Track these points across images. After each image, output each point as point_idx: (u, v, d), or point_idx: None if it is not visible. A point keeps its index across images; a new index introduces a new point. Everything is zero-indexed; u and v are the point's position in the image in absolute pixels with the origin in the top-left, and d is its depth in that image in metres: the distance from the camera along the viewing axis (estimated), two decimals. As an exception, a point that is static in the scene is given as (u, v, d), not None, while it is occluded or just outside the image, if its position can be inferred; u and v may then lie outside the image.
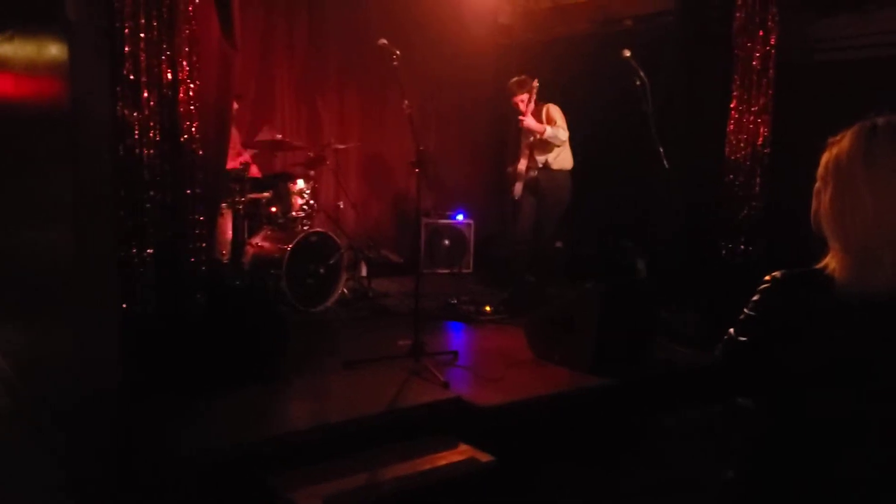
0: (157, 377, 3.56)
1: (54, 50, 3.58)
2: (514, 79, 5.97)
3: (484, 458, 3.55)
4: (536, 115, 5.87)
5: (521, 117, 5.80)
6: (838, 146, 1.71)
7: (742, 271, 5.40)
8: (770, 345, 1.73)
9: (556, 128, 5.80)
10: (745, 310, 1.79)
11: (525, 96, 5.86)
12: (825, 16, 5.57)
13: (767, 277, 1.76)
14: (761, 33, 5.30)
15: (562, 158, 5.90)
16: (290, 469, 3.32)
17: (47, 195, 3.99)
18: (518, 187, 5.98)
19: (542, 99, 5.93)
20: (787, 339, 1.70)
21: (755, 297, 1.77)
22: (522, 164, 5.91)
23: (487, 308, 5.86)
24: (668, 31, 6.03)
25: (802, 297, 1.69)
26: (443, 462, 3.51)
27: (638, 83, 4.93)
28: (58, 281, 3.86)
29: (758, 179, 5.42)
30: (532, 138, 5.86)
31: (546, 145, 5.83)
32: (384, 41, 4.50)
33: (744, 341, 1.79)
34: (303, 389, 4.04)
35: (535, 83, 5.77)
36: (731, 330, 1.83)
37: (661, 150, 4.95)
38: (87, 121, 3.37)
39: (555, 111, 5.91)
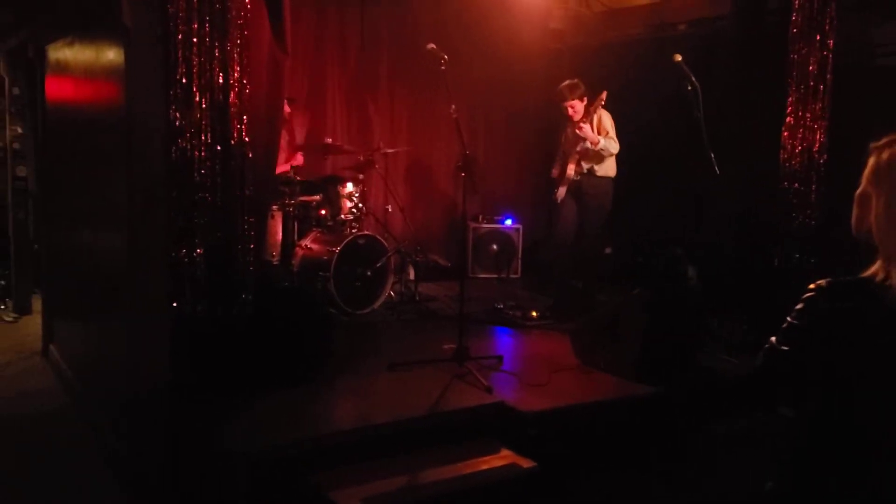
0: (207, 377, 3.62)
1: (111, 55, 3.69)
2: (566, 82, 5.87)
3: (526, 463, 3.53)
4: (588, 122, 5.79)
5: (580, 124, 5.69)
6: (889, 151, 1.65)
7: (795, 280, 5.28)
8: (814, 353, 1.68)
9: (609, 139, 5.73)
10: (789, 318, 1.75)
11: (576, 102, 5.79)
12: (886, 19, 5.41)
13: (812, 286, 1.71)
14: (818, 37, 5.18)
15: (606, 165, 5.83)
16: (332, 468, 3.35)
17: (103, 196, 4.10)
18: (561, 191, 5.93)
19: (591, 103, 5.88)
20: (833, 348, 1.65)
21: (799, 306, 1.73)
22: (571, 169, 5.84)
23: (534, 313, 5.82)
24: (722, 35, 5.92)
25: (849, 306, 1.64)
26: (484, 466, 3.50)
27: (689, 88, 4.85)
28: (113, 281, 3.96)
29: (813, 187, 5.30)
30: (581, 145, 5.78)
31: (596, 154, 5.76)
32: (432, 46, 4.52)
33: (786, 350, 1.74)
34: (347, 390, 4.07)
35: (604, 94, 5.62)
36: (773, 339, 1.79)
37: (713, 155, 4.85)
38: (140, 124, 3.47)
39: (607, 120, 5.82)
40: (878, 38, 5.47)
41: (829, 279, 1.70)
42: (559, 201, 5.96)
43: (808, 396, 1.73)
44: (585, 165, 5.81)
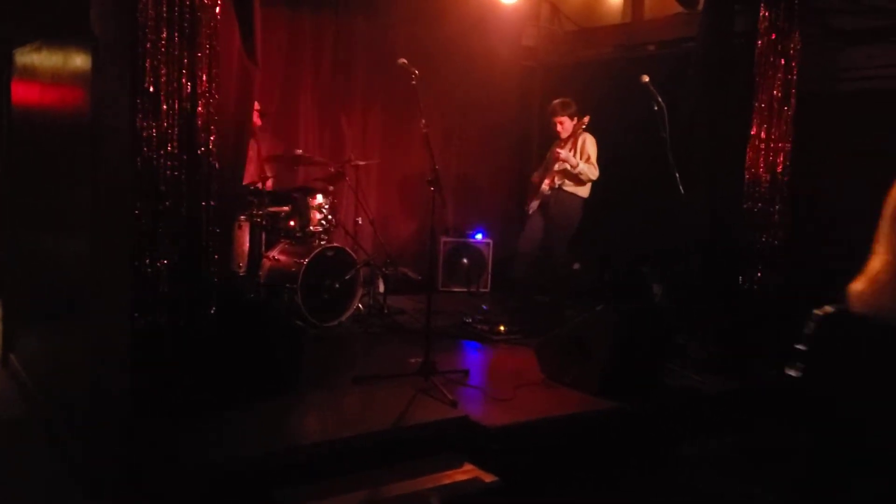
0: (169, 390, 3.58)
1: (78, 61, 3.65)
2: (558, 100, 5.97)
3: (488, 478, 3.53)
4: (572, 144, 5.85)
5: (557, 149, 5.79)
6: None
7: (760, 299, 5.35)
8: (827, 378, 1.70)
9: (589, 164, 5.79)
10: (798, 345, 1.76)
11: (565, 119, 5.87)
12: (850, 45, 5.53)
13: (819, 312, 1.73)
14: (783, 61, 5.28)
15: (578, 185, 5.87)
16: (295, 483, 3.32)
17: (67, 204, 4.05)
18: (533, 204, 5.99)
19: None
20: (845, 372, 1.66)
21: (807, 332, 1.74)
22: (546, 184, 5.88)
23: (501, 328, 5.83)
24: (691, 56, 6.00)
25: (862, 334, 1.65)
26: (446, 481, 3.49)
27: (656, 108, 4.92)
28: (74, 290, 3.90)
29: (777, 207, 5.38)
30: (560, 164, 5.82)
31: (574, 176, 5.81)
32: (404, 60, 4.54)
33: (797, 375, 1.75)
34: (312, 404, 4.05)
35: (587, 119, 5.72)
36: (786, 366, 1.80)
37: (678, 175, 4.91)
38: (106, 131, 3.42)
39: (591, 145, 5.86)
40: (843, 63, 5.59)
41: (835, 306, 1.71)
42: (529, 213, 6.01)
43: (823, 419, 1.74)
44: (558, 181, 5.85)
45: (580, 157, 5.79)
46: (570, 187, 5.85)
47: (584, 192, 5.89)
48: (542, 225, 5.95)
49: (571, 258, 6.22)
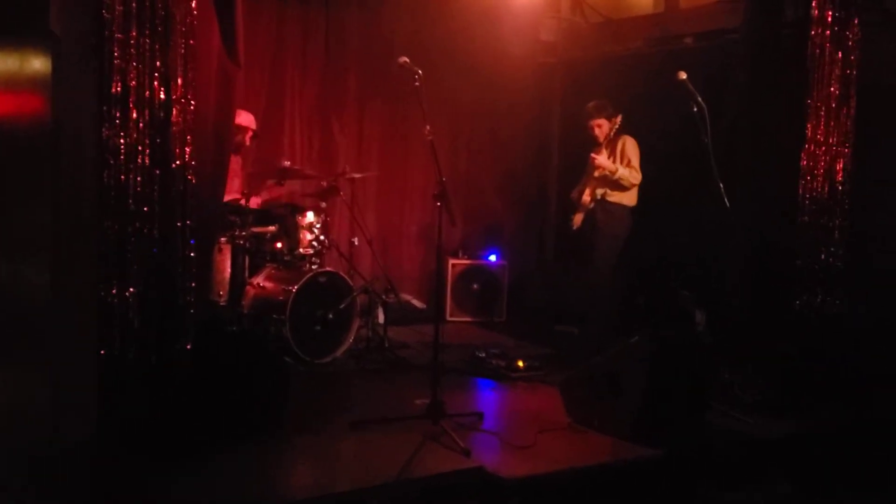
0: (139, 434, 3.58)
1: (37, 64, 3.69)
2: (592, 102, 6.17)
3: (507, 538, 3.51)
4: (611, 148, 5.98)
5: (592, 154, 5.98)
6: None
7: (818, 328, 5.33)
8: None
9: (630, 168, 5.93)
10: None
11: (602, 121, 6.06)
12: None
13: None
14: (840, 54, 5.29)
15: (622, 193, 5.99)
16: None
17: (23, 226, 4.07)
18: (577, 218, 6.16)
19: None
20: None
21: None
22: (587, 195, 6.01)
23: (520, 363, 5.82)
24: (733, 50, 6.03)
25: None
26: (459, 542, 3.48)
27: (695, 109, 4.93)
28: (31, 322, 3.92)
29: (837, 221, 5.38)
30: (599, 171, 5.98)
31: (615, 183, 5.92)
32: (405, 59, 4.57)
33: None
34: (304, 453, 4.04)
35: (619, 118, 5.94)
36: None
37: (722, 185, 4.92)
38: (69, 143, 3.46)
39: (631, 148, 6.04)
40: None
41: None
42: (574, 229, 6.18)
43: None
44: (599, 191, 5.96)
45: (620, 162, 5.93)
46: (613, 197, 6.02)
47: (629, 199, 6.04)
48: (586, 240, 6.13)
49: (613, 278, 6.21)
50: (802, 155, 5.40)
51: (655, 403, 4.38)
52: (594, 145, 6.11)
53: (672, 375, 4.51)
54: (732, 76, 5.88)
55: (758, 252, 5.66)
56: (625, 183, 5.95)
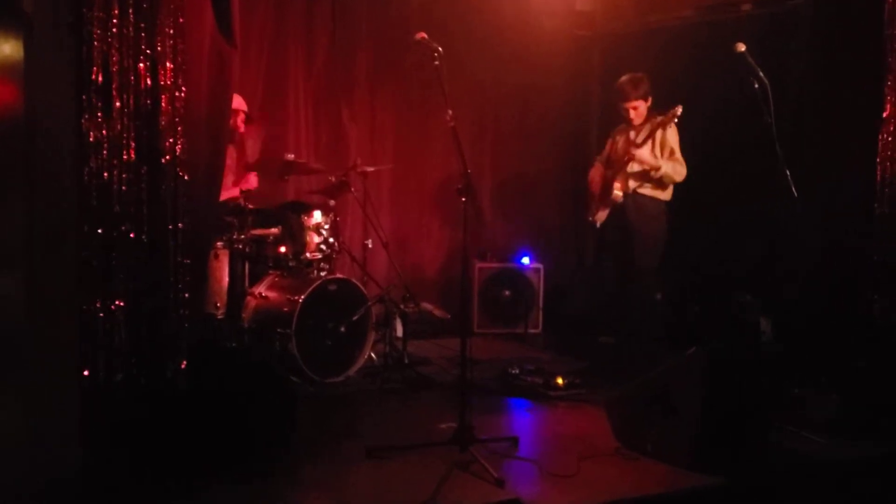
0: (128, 466, 3.59)
1: (7, 48, 3.70)
2: (626, 77, 5.98)
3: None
4: (649, 135, 5.84)
5: (633, 150, 5.81)
6: None
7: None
8: None
9: (674, 161, 5.82)
10: None
11: (640, 103, 5.90)
12: None
13: None
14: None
15: (658, 186, 5.88)
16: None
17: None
18: (601, 214, 6.06)
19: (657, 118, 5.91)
20: None
21: None
22: (618, 187, 5.89)
23: (559, 380, 5.79)
24: (799, 17, 5.98)
25: None
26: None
27: (756, 86, 4.88)
28: (5, 342, 3.94)
29: (921, 212, 5.32)
30: (633, 166, 5.86)
31: (651, 178, 5.81)
32: (423, 35, 4.55)
33: None
34: (313, 485, 4.03)
35: (679, 109, 5.63)
36: None
37: (788, 172, 4.87)
38: (44, 137, 3.47)
39: (672, 136, 5.87)
40: None
41: None
42: (597, 226, 6.08)
43: None
44: (633, 185, 5.85)
45: (661, 153, 5.81)
46: (647, 190, 5.89)
47: (665, 194, 5.93)
48: (622, 242, 5.99)
49: (659, 284, 6.16)
50: (880, 136, 5.35)
51: (716, 424, 4.35)
52: (624, 125, 6.01)
53: (734, 392, 4.47)
54: (799, 47, 5.82)
55: (830, 249, 5.61)
56: (667, 180, 5.85)
